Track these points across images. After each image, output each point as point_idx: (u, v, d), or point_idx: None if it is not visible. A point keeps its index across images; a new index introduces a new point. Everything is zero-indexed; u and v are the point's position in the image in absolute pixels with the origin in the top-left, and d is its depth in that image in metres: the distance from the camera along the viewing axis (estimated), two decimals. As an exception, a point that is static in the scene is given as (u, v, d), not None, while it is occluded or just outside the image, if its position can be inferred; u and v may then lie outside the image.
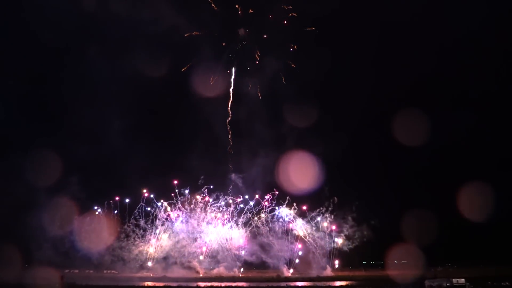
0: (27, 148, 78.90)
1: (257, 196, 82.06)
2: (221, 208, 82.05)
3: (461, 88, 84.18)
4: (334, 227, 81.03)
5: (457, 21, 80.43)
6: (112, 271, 79.19)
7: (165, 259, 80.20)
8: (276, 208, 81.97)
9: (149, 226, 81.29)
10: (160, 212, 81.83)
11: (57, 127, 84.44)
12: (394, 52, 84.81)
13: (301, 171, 79.06)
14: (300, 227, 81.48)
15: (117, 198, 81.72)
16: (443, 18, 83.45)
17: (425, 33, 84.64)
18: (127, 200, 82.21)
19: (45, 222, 73.18)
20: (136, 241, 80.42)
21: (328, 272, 79.99)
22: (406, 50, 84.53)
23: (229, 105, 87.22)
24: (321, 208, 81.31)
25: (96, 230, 78.78)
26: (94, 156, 79.25)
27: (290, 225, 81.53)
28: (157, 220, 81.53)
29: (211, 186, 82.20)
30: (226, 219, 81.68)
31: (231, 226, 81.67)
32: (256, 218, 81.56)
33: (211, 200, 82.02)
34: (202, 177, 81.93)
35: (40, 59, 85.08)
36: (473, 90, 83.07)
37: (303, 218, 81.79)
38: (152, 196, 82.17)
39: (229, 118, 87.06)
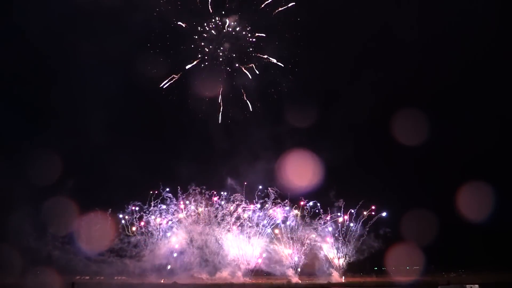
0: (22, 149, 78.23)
1: (258, 199, 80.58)
2: (217, 212, 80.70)
3: (462, 88, 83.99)
4: (340, 232, 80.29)
5: (460, 18, 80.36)
6: (122, 278, 78.76)
7: (163, 267, 79.22)
8: (279, 211, 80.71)
9: (145, 235, 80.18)
10: (153, 219, 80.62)
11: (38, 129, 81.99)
12: (395, 51, 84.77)
13: (303, 173, 78.34)
14: (304, 231, 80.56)
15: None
16: (446, 16, 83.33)
17: (429, 31, 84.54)
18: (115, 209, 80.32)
19: (27, 226, 71.60)
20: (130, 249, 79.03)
21: (337, 278, 79.33)
22: (407, 49, 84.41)
23: (221, 105, 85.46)
24: (327, 211, 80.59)
25: (87, 237, 77.32)
26: (85, 160, 78.93)
27: (294, 229, 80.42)
28: (150, 227, 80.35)
29: (204, 187, 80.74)
30: (221, 220, 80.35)
31: (229, 230, 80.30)
32: (256, 221, 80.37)
33: (203, 203, 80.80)
34: (193, 184, 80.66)
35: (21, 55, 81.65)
36: (475, 90, 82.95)
37: (307, 222, 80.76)
38: (140, 203, 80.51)
39: (221, 119, 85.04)
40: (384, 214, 78.88)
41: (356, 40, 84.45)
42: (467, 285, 58.49)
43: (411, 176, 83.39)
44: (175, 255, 79.84)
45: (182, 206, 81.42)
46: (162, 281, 78.23)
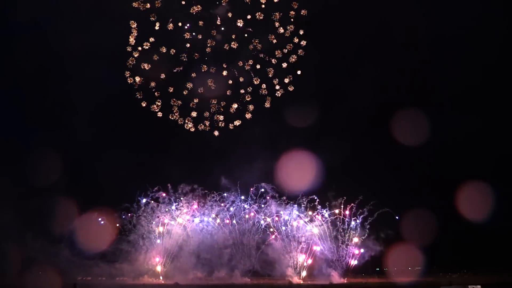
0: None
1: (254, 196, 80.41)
2: (211, 210, 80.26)
3: (462, 88, 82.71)
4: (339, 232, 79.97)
5: (458, 19, 79.42)
6: (124, 278, 79.06)
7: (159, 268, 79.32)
8: (278, 209, 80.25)
9: (138, 235, 79.35)
10: (145, 219, 79.88)
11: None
12: (395, 50, 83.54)
13: (301, 174, 77.72)
14: (303, 229, 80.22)
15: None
16: (444, 16, 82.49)
17: (427, 30, 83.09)
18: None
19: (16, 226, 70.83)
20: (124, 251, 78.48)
21: (337, 278, 78.71)
22: (407, 48, 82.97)
23: (214, 103, 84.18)
24: (327, 209, 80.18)
25: (76, 240, 76.34)
26: (74, 161, 77.63)
27: (292, 227, 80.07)
28: (143, 228, 79.52)
29: (196, 186, 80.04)
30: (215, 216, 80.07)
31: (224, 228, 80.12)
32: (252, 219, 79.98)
33: (197, 201, 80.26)
34: (182, 185, 79.78)
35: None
36: (474, 90, 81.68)
37: (306, 216, 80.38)
38: (129, 205, 79.73)
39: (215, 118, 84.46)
40: (397, 217, 78.10)
41: (356, 38, 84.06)
42: (469, 286, 58.00)
43: (411, 176, 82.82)
44: (172, 253, 79.72)
45: (175, 205, 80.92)
46: (162, 282, 78.35)
